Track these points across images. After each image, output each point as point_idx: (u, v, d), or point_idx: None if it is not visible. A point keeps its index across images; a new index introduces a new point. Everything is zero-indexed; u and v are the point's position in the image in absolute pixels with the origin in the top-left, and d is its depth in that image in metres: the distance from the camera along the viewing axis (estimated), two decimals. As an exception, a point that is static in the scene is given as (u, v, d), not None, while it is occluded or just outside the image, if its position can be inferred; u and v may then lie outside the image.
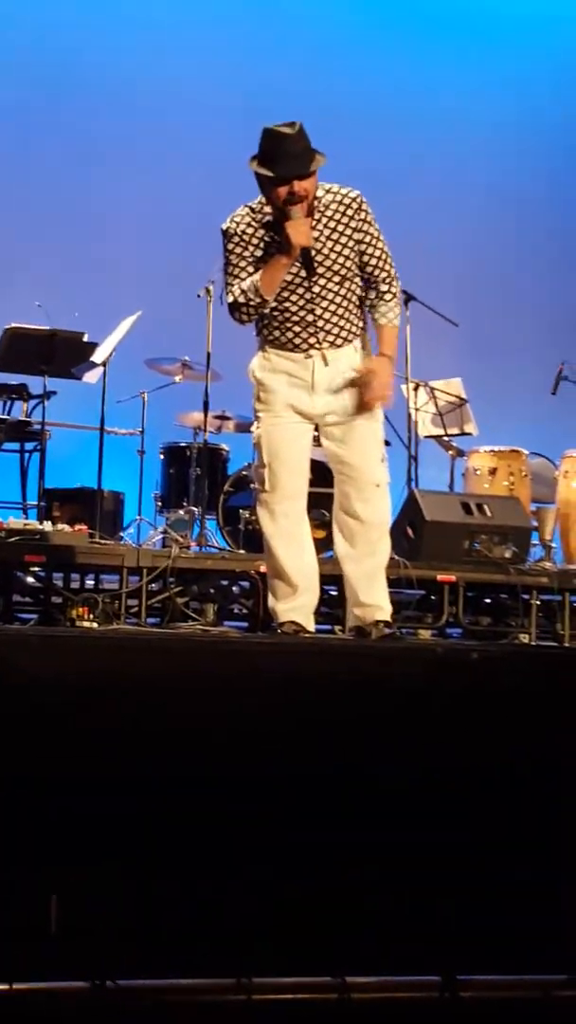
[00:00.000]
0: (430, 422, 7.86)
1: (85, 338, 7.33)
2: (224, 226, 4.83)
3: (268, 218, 4.76)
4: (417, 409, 7.78)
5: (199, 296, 7.43)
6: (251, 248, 4.78)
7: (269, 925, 2.80)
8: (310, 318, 4.82)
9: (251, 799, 2.87)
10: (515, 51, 10.48)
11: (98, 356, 7.17)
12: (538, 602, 6.90)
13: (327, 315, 4.84)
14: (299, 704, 3.03)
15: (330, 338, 4.86)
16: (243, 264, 4.79)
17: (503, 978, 2.73)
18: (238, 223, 4.80)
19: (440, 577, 6.70)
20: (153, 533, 7.51)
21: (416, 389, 7.75)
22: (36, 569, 6.54)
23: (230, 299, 4.80)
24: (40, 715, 2.99)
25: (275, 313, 4.83)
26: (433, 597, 6.88)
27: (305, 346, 4.85)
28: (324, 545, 7.09)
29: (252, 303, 4.77)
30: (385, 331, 4.94)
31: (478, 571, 6.84)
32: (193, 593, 6.79)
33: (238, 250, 4.79)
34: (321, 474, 7.20)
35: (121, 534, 7.55)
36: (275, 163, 4.62)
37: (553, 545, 7.42)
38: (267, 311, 4.80)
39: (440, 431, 7.83)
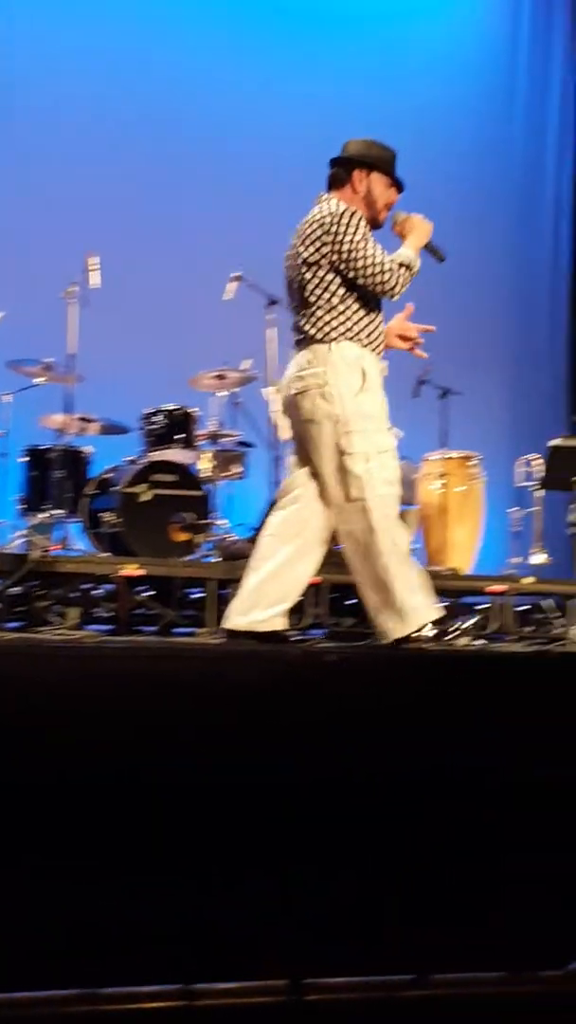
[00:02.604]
0: (294, 425, 7.88)
1: (-55, 341, 7.24)
2: (352, 208, 5.06)
3: None
4: (280, 412, 7.80)
5: (62, 297, 7.39)
6: None
7: (116, 934, 2.79)
8: (382, 317, 5.16)
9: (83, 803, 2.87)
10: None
11: (-42, 359, 7.08)
12: (401, 603, 6.96)
13: None
14: (136, 708, 3.05)
15: None
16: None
17: (348, 980, 2.76)
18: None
19: (304, 579, 6.72)
20: (15, 536, 7.43)
21: (279, 392, 7.78)
22: None
23: (408, 262, 5.09)
24: None
25: (372, 311, 5.10)
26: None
27: (382, 346, 5.17)
28: (187, 548, 7.12)
29: (412, 273, 5.12)
30: None
31: (342, 572, 6.87)
32: (56, 597, 6.75)
33: (369, 232, 5.06)
34: (186, 477, 7.22)
35: (-18, 538, 7.47)
36: (394, 174, 5.21)
37: (415, 547, 7.50)
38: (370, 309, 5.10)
39: (304, 433, 7.85)
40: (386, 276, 4.96)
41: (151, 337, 9.03)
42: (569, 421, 9.38)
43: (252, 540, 7.26)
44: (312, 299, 5.02)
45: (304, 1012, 2.66)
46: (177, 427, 7.60)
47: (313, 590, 6.79)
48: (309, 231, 5.05)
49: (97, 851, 2.85)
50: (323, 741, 3.39)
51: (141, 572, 6.69)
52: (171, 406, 7.63)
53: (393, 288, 4.99)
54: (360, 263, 4.95)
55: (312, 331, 5.03)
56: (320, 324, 5.02)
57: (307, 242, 5.03)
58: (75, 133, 9.27)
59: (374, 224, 5.12)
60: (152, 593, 7.01)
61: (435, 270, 5.33)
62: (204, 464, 7.69)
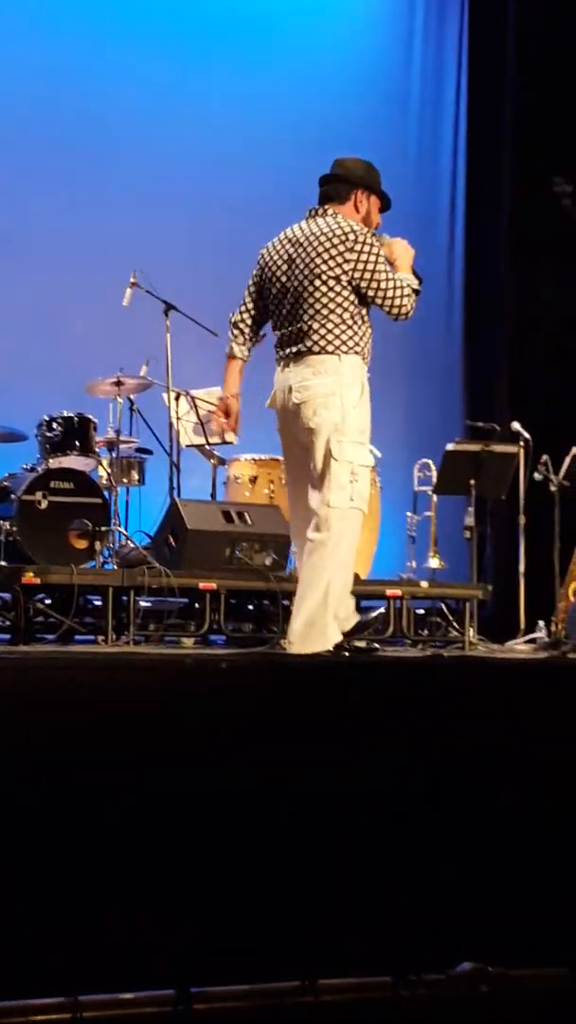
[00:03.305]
0: (191, 431, 7.91)
1: None
2: (369, 230, 5.21)
3: None
4: (179, 418, 7.83)
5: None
6: None
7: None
8: None
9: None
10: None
11: None
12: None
13: None
14: (29, 718, 3.06)
15: None
16: None
17: (235, 988, 2.78)
18: None
19: (202, 585, 6.78)
20: None
21: (177, 398, 7.80)
22: None
23: (416, 286, 5.24)
24: None
25: (371, 330, 5.25)
26: (196, 605, 6.93)
27: None
28: (86, 556, 7.10)
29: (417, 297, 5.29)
30: None
31: (239, 579, 6.92)
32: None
33: None
34: (84, 484, 7.21)
35: None
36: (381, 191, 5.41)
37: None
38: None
39: (201, 440, 7.89)
40: (405, 300, 5.14)
41: (47, 343, 8.97)
42: (464, 425, 9.48)
43: (149, 548, 7.27)
44: (325, 311, 5.09)
45: (192, 1022, 2.69)
46: (75, 434, 7.56)
47: (210, 596, 6.81)
48: (329, 245, 5.11)
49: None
50: (215, 748, 3.41)
51: (37, 580, 6.65)
52: (68, 413, 7.60)
53: (409, 311, 5.16)
54: (383, 284, 5.10)
55: (321, 342, 5.08)
56: (330, 337, 5.09)
57: (326, 256, 5.10)
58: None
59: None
60: (50, 601, 6.98)
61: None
62: (102, 471, 7.68)
